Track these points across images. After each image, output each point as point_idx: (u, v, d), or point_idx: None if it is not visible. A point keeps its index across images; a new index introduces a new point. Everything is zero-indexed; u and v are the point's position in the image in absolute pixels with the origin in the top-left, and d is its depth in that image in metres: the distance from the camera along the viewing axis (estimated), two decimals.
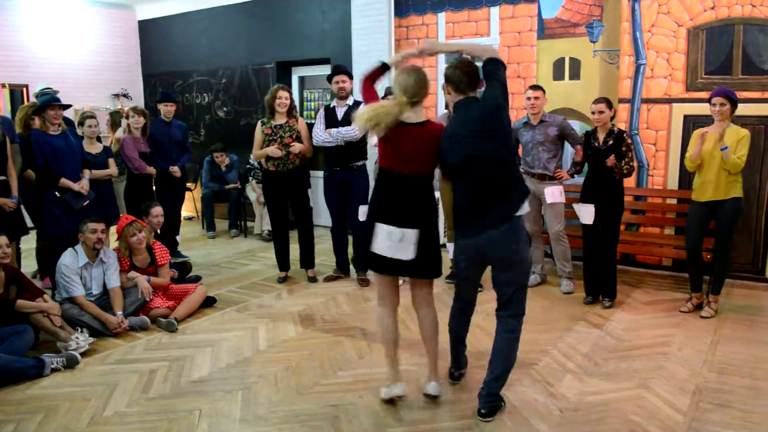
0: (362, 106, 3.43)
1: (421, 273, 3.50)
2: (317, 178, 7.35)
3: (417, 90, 3.37)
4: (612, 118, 5.19)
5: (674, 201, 6.12)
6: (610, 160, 5.03)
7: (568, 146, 5.77)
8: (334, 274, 6.30)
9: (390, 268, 3.45)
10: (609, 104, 5.14)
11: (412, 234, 3.35)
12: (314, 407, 3.60)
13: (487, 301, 5.46)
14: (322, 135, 5.82)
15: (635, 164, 5.76)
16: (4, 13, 8.86)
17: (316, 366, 4.18)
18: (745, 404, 3.56)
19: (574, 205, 5.39)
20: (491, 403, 3.43)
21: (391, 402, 3.59)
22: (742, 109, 5.12)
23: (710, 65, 5.86)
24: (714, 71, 5.84)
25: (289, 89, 5.96)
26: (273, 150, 5.76)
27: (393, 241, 3.34)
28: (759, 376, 3.92)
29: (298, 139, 5.89)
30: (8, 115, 8.03)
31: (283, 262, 6.26)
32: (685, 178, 5.97)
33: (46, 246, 5.69)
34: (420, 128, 3.40)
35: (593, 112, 5.16)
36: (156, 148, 6.81)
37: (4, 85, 8.72)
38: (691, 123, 5.89)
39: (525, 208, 3.30)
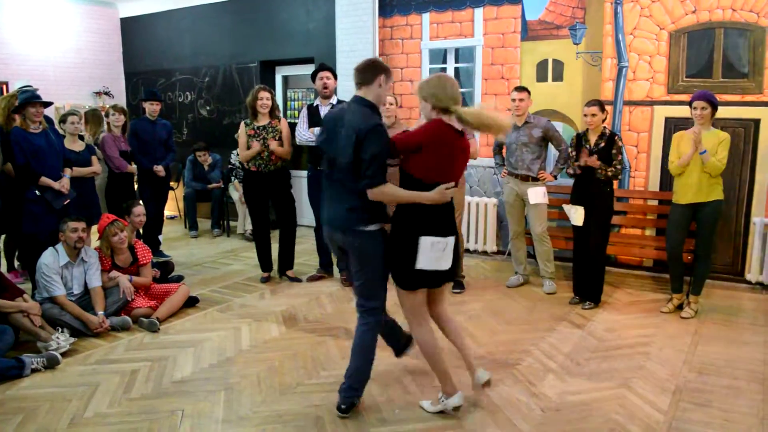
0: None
1: (453, 277, 3.52)
2: (301, 177, 7.34)
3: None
4: (604, 121, 5.22)
5: (655, 202, 6.17)
6: (584, 158, 5.05)
7: (551, 147, 5.80)
8: (318, 274, 6.28)
9: (438, 279, 3.39)
10: (602, 107, 5.16)
11: (452, 241, 3.30)
12: (297, 407, 3.59)
13: (467, 302, 5.50)
14: (306, 134, 5.81)
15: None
16: None
17: (299, 366, 4.17)
18: (725, 404, 3.60)
19: (564, 206, 5.42)
20: (349, 399, 3.47)
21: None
22: (722, 112, 5.18)
23: (691, 68, 5.92)
24: (695, 74, 5.90)
25: (270, 90, 5.92)
26: (256, 146, 5.73)
27: (437, 252, 3.24)
28: (738, 376, 3.97)
29: (280, 140, 5.86)
30: None
31: (265, 262, 6.23)
32: (666, 179, 6.02)
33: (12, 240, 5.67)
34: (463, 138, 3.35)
35: (585, 115, 5.17)
36: (141, 147, 6.75)
37: None
38: (673, 125, 5.95)
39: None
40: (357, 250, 3.35)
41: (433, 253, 3.23)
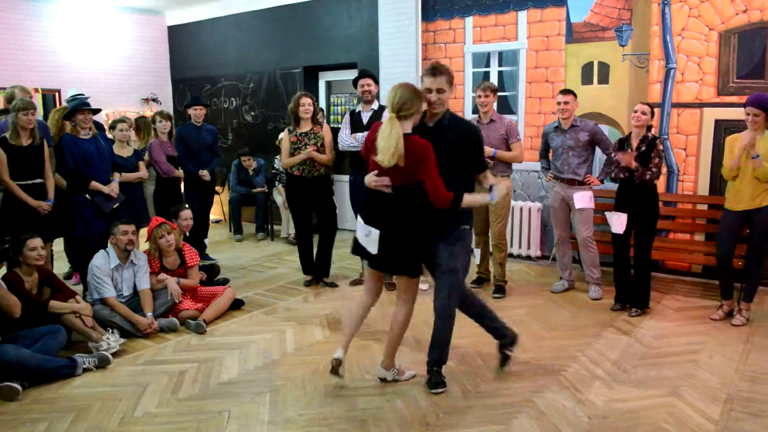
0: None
1: (391, 269, 3.81)
2: (343, 182, 7.38)
3: (403, 105, 3.50)
4: (650, 129, 5.14)
5: (705, 207, 6.03)
6: (622, 157, 4.96)
7: (598, 151, 5.71)
8: (360, 278, 6.29)
9: (373, 261, 3.79)
10: (651, 110, 5.11)
11: (375, 233, 3.64)
12: (342, 410, 3.61)
13: (511, 307, 5.46)
14: (348, 140, 5.84)
15: (663, 170, 5.70)
16: (37, 18, 9.04)
17: (343, 369, 4.18)
18: None
19: (606, 213, 5.34)
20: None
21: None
22: None
23: (742, 69, 5.78)
24: (746, 75, 5.76)
25: (311, 96, 5.97)
26: (306, 152, 5.81)
27: (362, 233, 3.72)
28: None
29: (322, 147, 5.92)
30: (40, 118, 8.17)
31: (308, 265, 6.28)
32: (716, 183, 5.89)
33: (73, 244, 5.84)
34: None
35: (635, 111, 5.09)
36: (186, 151, 6.88)
37: (37, 90, 8.88)
38: (723, 128, 5.81)
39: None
40: None
41: (360, 230, 3.74)
